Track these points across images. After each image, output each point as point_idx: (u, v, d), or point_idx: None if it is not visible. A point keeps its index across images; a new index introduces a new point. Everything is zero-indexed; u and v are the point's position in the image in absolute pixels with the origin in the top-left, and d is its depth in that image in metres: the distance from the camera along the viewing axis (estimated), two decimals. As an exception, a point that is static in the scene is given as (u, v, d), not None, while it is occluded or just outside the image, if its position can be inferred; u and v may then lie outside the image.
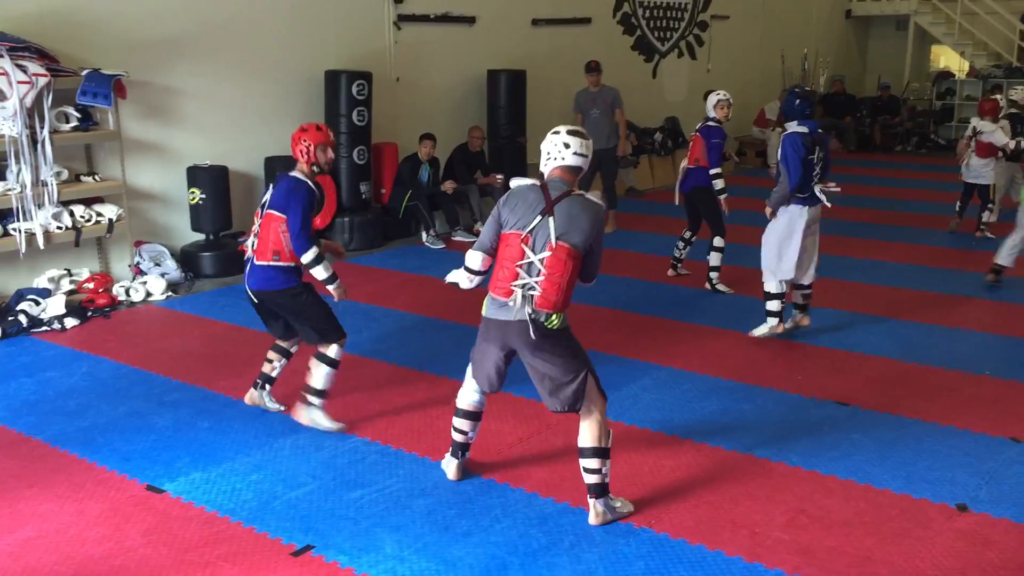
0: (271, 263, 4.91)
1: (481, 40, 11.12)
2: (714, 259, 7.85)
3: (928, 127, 17.65)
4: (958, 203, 10.07)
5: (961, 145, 10.07)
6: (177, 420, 5.23)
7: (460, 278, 4.34)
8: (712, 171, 7.66)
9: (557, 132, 4.09)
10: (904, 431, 5.05)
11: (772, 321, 6.50)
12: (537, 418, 5.18)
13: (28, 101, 6.84)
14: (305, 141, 4.95)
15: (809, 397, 5.53)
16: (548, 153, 4.07)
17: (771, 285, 6.47)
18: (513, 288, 3.96)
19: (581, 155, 4.04)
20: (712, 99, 7.80)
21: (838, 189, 6.39)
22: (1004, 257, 7.86)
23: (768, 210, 6.45)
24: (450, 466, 4.49)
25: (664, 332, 6.76)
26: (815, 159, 6.22)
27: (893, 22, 18.45)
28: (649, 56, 14.08)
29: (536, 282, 3.93)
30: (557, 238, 3.90)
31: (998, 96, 10.90)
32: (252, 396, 5.38)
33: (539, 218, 3.94)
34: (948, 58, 18.71)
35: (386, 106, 9.95)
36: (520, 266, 3.95)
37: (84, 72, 7.28)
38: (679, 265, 8.33)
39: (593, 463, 4.03)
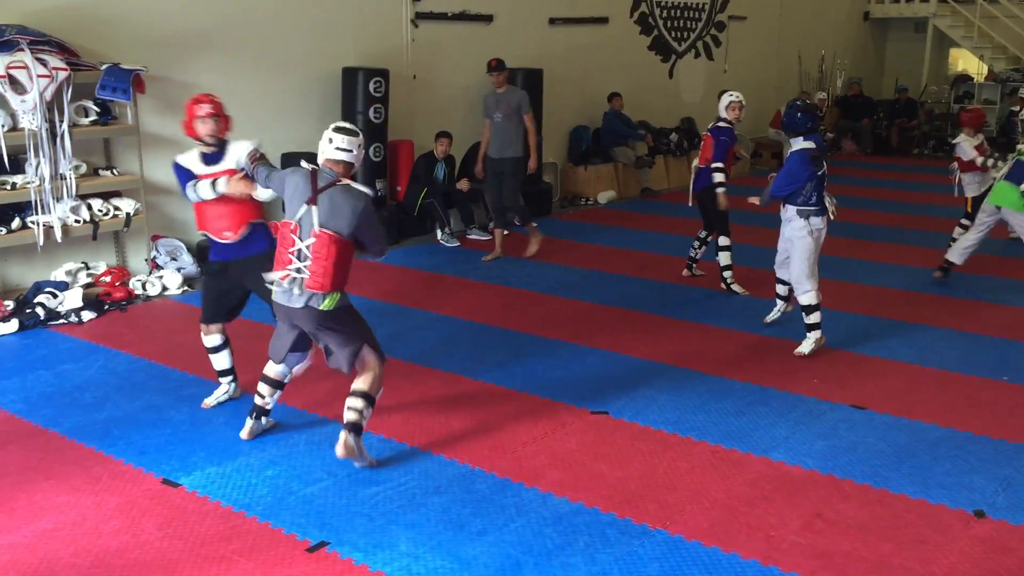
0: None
1: (498, 39, 11.10)
2: (723, 259, 7.82)
3: (946, 130, 17.53)
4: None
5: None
6: (193, 414, 5.25)
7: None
8: (713, 164, 7.66)
9: (329, 128, 4.51)
10: (920, 436, 5.03)
11: (816, 334, 6.31)
12: (551, 418, 5.18)
13: (48, 95, 6.87)
14: (188, 116, 5.23)
15: (825, 400, 5.51)
16: (321, 147, 4.49)
17: (810, 297, 6.29)
18: (288, 271, 4.39)
19: (344, 150, 4.42)
20: (724, 100, 7.83)
21: (834, 209, 6.38)
22: (955, 255, 7.93)
23: (756, 200, 6.53)
24: (246, 426, 4.93)
25: (680, 332, 6.75)
26: (824, 174, 6.26)
27: (911, 24, 18.35)
28: (666, 56, 14.05)
29: (304, 266, 4.35)
30: (320, 226, 4.32)
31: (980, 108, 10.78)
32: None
33: (304, 207, 4.36)
34: (967, 61, 18.59)
35: (402, 103, 9.96)
36: (291, 252, 4.38)
37: (104, 67, 7.32)
38: (694, 266, 8.31)
39: (358, 403, 4.50)
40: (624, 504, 4.24)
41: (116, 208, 7.59)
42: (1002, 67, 17.05)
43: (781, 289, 6.89)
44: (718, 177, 7.63)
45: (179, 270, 7.89)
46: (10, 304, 6.84)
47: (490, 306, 7.45)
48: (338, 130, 4.49)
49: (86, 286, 7.33)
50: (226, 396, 5.46)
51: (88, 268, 7.57)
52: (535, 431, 5.03)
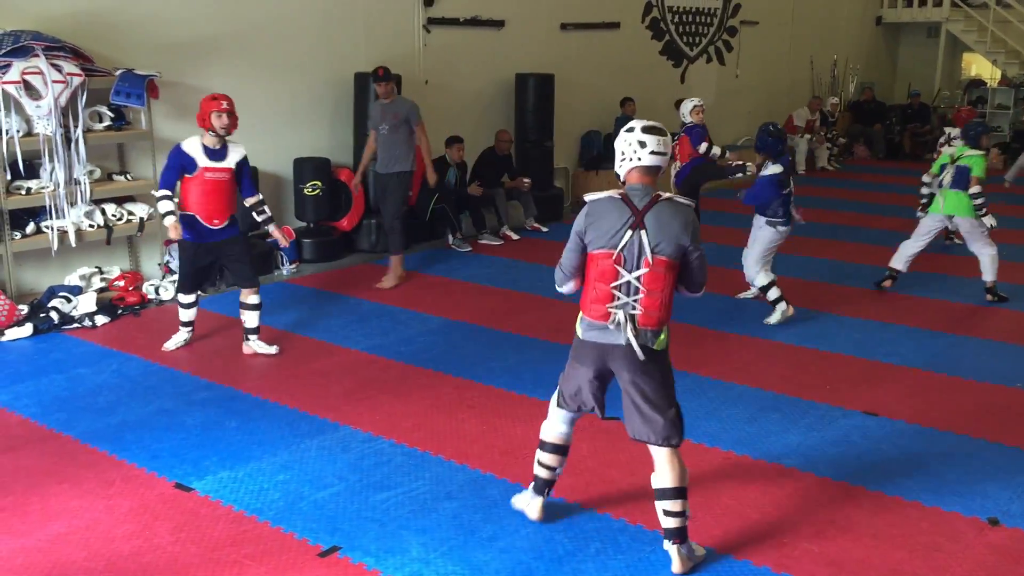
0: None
1: (510, 44, 11.13)
2: None
3: (958, 135, 17.47)
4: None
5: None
6: (205, 419, 5.27)
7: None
8: (699, 148, 8.42)
9: (631, 129, 3.72)
10: (933, 443, 5.00)
11: (782, 305, 7.02)
12: (563, 423, 5.17)
13: (63, 100, 6.92)
14: (205, 109, 6.00)
15: (836, 406, 5.49)
16: (623, 153, 3.72)
17: (762, 278, 7.05)
18: (611, 311, 3.65)
19: (659, 153, 3.68)
20: (688, 105, 8.67)
21: (800, 217, 7.16)
22: (900, 262, 7.97)
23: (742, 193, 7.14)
24: (533, 505, 4.12)
25: (690, 338, 6.73)
26: (790, 192, 7.00)
27: (924, 29, 18.28)
28: (677, 61, 14.04)
29: (635, 300, 3.63)
30: (652, 252, 3.61)
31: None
32: (246, 348, 6.41)
33: (629, 233, 3.62)
34: (980, 66, 18.53)
35: (414, 109, 9.97)
36: (615, 287, 3.64)
37: (118, 72, 7.36)
38: None
39: (676, 505, 3.70)
40: (635, 510, 4.23)
41: (130, 213, 7.63)
42: (1015, 72, 16.97)
43: (772, 293, 7.08)
44: (715, 151, 8.52)
45: (192, 275, 7.91)
46: (24, 308, 6.88)
47: (501, 311, 7.45)
48: (649, 130, 3.68)
49: (100, 290, 7.37)
50: (184, 342, 6.48)
51: (102, 272, 7.60)
52: (546, 437, 5.03)
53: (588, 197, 3.81)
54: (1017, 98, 16.13)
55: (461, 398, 5.58)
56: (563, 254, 3.84)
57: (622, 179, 3.78)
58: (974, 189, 7.46)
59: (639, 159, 3.68)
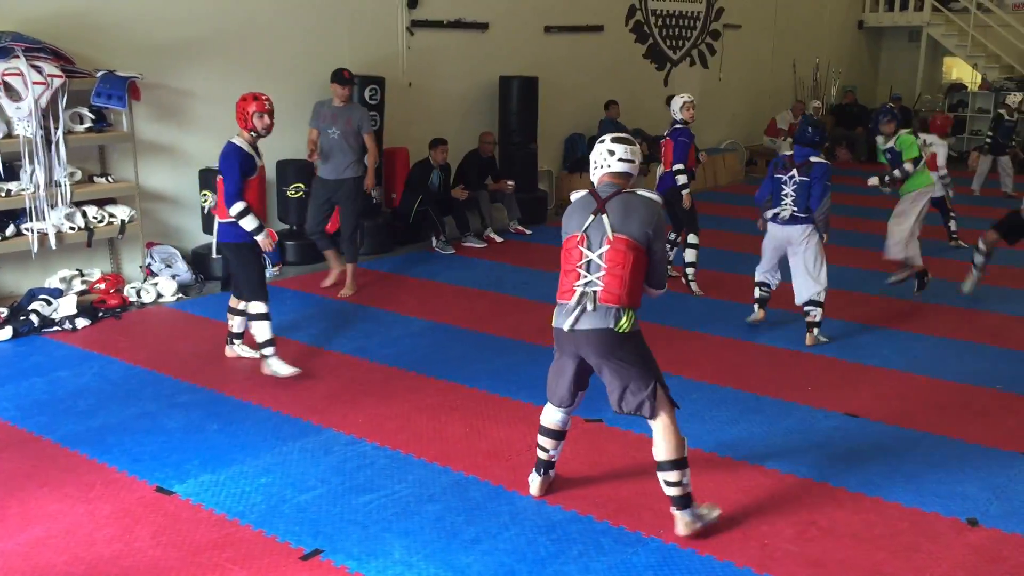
0: (228, 219, 5.78)
1: (494, 46, 11.14)
2: (689, 255, 8.14)
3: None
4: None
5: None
6: (187, 422, 5.24)
7: None
8: (674, 167, 7.96)
9: (602, 141, 4.11)
10: (913, 444, 5.04)
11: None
12: (546, 425, 5.17)
13: (43, 102, 6.88)
14: (246, 110, 5.76)
15: (818, 408, 5.52)
16: (595, 162, 4.09)
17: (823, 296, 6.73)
18: (575, 288, 3.93)
19: (627, 160, 4.02)
20: (678, 101, 8.13)
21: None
22: (898, 251, 8.01)
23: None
24: (534, 482, 4.42)
25: (673, 340, 6.74)
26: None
27: (906, 33, 18.42)
28: (661, 64, 14.09)
29: (597, 278, 3.89)
30: (613, 230, 3.88)
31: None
32: (227, 351, 6.30)
33: (592, 217, 3.94)
34: (960, 70, 18.67)
35: (398, 111, 9.97)
36: (580, 266, 3.93)
37: (99, 74, 7.32)
38: (669, 268, 8.35)
39: (672, 475, 3.96)
40: (618, 512, 4.24)
41: (111, 215, 7.59)
42: (995, 76, 17.13)
43: (765, 292, 7.12)
44: (681, 180, 7.91)
45: (173, 277, 7.89)
46: (4, 311, 6.83)
47: (484, 313, 7.46)
48: (618, 140, 4.06)
49: (80, 293, 7.32)
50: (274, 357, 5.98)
51: (83, 275, 7.56)
52: (529, 439, 5.00)
53: (572, 196, 4.18)
54: (997, 101, 16.23)
55: (445, 400, 5.58)
56: None
57: (596, 186, 4.11)
58: (907, 167, 7.87)
59: (608, 166, 4.05)
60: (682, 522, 4.00)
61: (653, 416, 3.98)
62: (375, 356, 6.37)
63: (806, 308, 6.71)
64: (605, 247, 3.89)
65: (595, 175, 4.09)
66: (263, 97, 5.83)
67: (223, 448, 4.90)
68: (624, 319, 3.89)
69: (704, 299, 7.93)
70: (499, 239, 10.13)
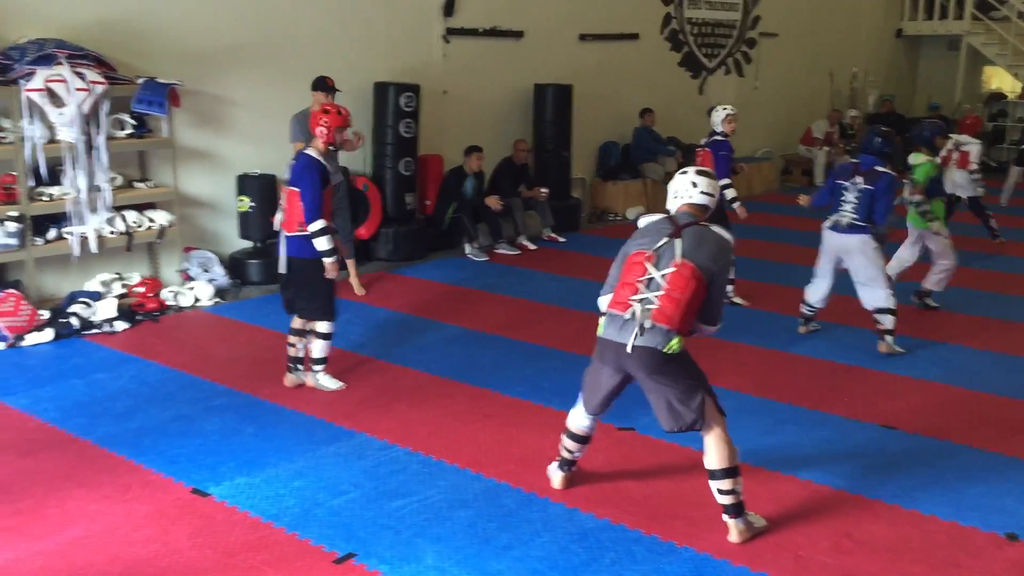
0: (298, 233, 5.56)
1: (529, 54, 11.16)
2: None
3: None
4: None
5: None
6: (223, 425, 5.29)
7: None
8: (722, 182, 7.67)
9: (685, 172, 4.23)
10: (951, 457, 4.97)
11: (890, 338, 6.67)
12: (579, 433, 5.17)
13: (85, 108, 6.99)
14: (325, 121, 5.58)
15: (853, 419, 5.47)
16: (675, 192, 4.20)
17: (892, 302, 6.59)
18: (631, 302, 3.96)
19: (708, 194, 4.15)
20: (720, 113, 7.91)
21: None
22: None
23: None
24: (556, 476, 4.56)
25: (707, 350, 6.68)
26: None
27: (945, 42, 18.19)
28: (696, 73, 14.04)
29: (655, 296, 3.93)
30: (682, 255, 3.94)
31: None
32: (289, 379, 5.91)
33: (666, 239, 4.00)
34: (1000, 79, 18.42)
35: (433, 118, 10.02)
36: (641, 281, 3.98)
37: (140, 80, 7.43)
38: None
39: (725, 484, 4.02)
40: (651, 521, 4.23)
41: (150, 220, 7.69)
42: (1036, 85, 16.89)
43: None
44: (730, 193, 7.69)
45: (211, 281, 7.97)
46: (45, 313, 6.94)
47: (517, 320, 7.46)
48: (701, 173, 4.20)
49: (120, 296, 7.42)
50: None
51: (122, 279, 7.66)
52: (562, 446, 5.03)
53: (641, 221, 4.25)
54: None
55: (477, 407, 5.59)
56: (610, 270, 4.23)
57: (674, 213, 4.18)
58: (916, 197, 7.45)
59: (690, 196, 4.16)
60: (736, 530, 4.05)
61: (704, 430, 4.03)
62: (407, 362, 6.40)
63: (875, 316, 6.63)
64: (670, 269, 3.93)
65: (674, 203, 4.18)
66: (345, 111, 5.73)
67: (258, 451, 4.95)
68: (674, 341, 3.93)
69: (738, 308, 7.87)
70: (532, 246, 10.14)
